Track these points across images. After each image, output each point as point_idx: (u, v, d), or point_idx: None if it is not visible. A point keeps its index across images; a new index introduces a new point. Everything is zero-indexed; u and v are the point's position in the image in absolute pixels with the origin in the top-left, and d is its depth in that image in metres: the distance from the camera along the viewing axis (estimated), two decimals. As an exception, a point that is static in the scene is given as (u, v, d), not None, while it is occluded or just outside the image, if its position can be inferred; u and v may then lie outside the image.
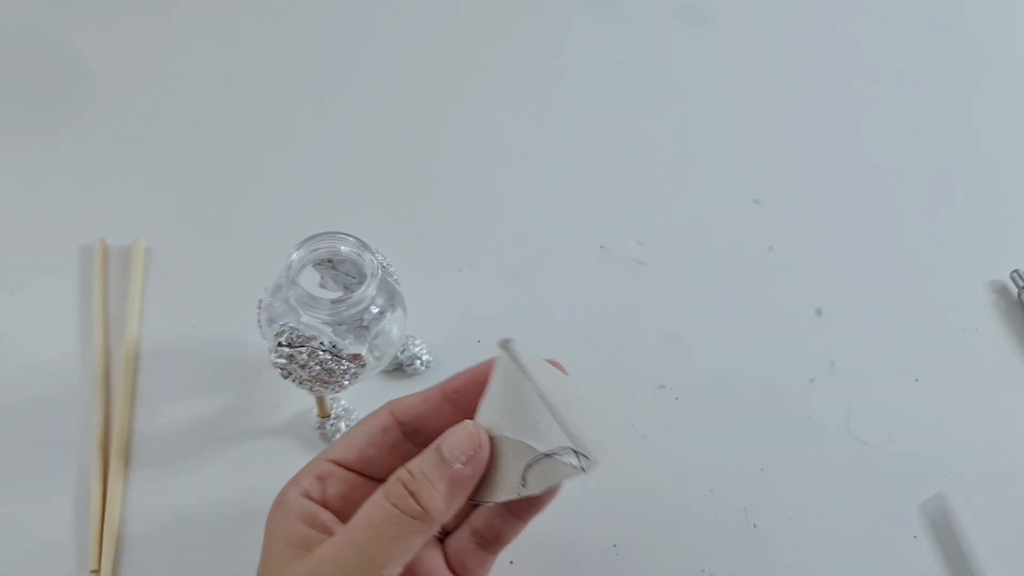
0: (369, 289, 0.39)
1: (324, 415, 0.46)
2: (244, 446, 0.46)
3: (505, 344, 0.33)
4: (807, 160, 0.59)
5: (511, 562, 0.44)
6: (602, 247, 0.54)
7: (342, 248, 0.41)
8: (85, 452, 0.45)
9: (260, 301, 0.42)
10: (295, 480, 0.34)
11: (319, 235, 0.40)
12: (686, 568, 0.44)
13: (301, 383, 0.41)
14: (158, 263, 0.52)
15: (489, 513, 0.36)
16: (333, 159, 0.57)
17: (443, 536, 0.37)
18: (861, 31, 0.66)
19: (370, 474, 0.34)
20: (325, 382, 0.41)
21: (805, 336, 0.52)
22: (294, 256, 0.40)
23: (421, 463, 0.31)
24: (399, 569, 0.30)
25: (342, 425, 0.46)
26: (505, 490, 0.32)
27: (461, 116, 0.60)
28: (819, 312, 0.52)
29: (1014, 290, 0.53)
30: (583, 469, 0.31)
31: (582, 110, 0.61)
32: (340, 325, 0.40)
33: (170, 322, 0.50)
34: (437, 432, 0.33)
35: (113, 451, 0.45)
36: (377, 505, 0.31)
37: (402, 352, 0.48)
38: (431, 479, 0.30)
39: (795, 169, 0.59)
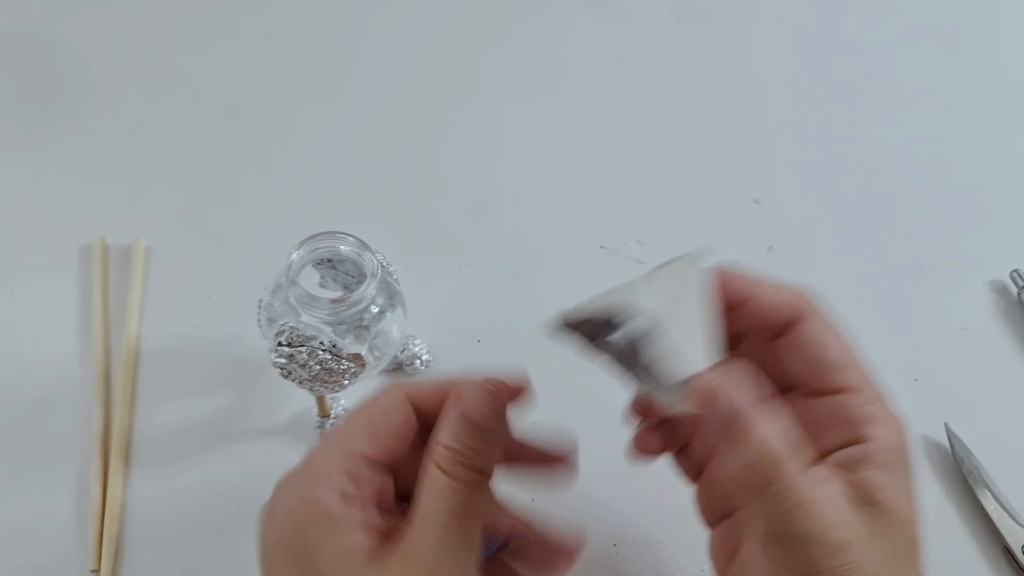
0: (369, 289, 0.39)
1: (324, 415, 0.46)
2: (244, 446, 0.46)
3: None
4: (807, 160, 0.59)
5: (511, 562, 0.44)
6: (602, 247, 0.54)
7: (342, 248, 0.41)
8: (85, 452, 0.45)
9: (260, 301, 0.42)
10: (320, 479, 0.31)
11: (319, 235, 0.40)
12: (686, 568, 0.44)
13: (301, 383, 0.41)
14: (158, 263, 0.52)
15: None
16: (333, 159, 0.57)
17: None
18: (861, 31, 0.66)
19: (393, 468, 0.34)
20: (325, 382, 0.41)
21: (805, 336, 0.51)
22: (294, 256, 0.40)
23: (459, 434, 0.32)
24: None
25: (342, 425, 0.46)
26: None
27: (461, 116, 0.60)
28: (819, 312, 0.52)
29: (1014, 290, 0.53)
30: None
31: (582, 109, 0.61)
32: (340, 325, 0.40)
33: (170, 322, 0.50)
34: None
35: (113, 451, 0.45)
36: (448, 489, 0.31)
37: (402, 352, 0.48)
38: (475, 448, 0.32)
39: (795, 169, 0.59)
